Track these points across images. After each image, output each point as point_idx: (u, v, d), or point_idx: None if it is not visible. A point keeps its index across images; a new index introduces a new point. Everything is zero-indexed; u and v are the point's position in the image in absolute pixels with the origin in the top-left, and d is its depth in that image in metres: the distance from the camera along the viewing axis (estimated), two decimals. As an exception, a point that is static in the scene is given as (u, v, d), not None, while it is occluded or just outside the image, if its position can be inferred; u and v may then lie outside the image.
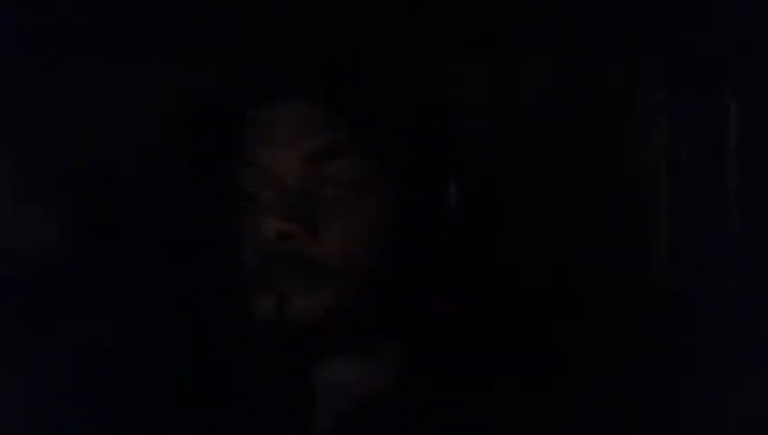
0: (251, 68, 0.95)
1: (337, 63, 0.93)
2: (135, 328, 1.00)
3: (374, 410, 0.90)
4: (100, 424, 0.94)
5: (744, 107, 1.22)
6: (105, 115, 1.22)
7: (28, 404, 0.98)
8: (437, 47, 1.19)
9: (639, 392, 1.08)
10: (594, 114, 1.28)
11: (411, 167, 0.93)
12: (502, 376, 0.92)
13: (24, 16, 1.19)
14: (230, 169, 0.93)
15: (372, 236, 0.90)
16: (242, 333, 0.93)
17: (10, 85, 1.21)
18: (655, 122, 1.28)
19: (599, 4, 1.25)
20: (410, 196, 0.93)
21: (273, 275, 0.89)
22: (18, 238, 1.14)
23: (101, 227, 1.13)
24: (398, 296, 0.92)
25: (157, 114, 1.18)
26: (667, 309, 1.22)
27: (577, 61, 1.27)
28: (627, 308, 1.21)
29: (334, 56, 0.94)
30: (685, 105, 1.26)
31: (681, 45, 1.26)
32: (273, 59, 0.93)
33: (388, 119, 0.92)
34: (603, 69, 1.28)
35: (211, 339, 0.96)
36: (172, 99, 1.16)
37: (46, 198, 1.16)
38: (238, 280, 0.91)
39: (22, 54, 1.21)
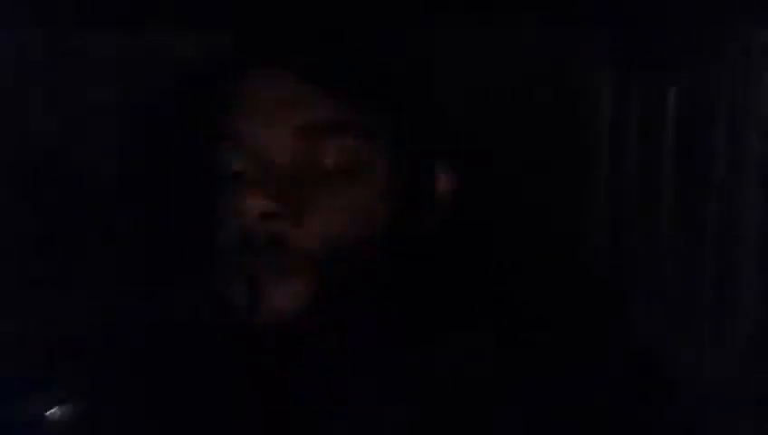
0: (231, 34, 0.88)
1: (329, 33, 0.87)
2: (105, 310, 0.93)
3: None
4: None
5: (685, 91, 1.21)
6: (72, 88, 1.14)
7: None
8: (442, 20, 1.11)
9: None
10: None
11: (408, 149, 0.86)
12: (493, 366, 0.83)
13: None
14: (208, 145, 0.86)
15: (359, 222, 0.83)
16: (216, 318, 0.86)
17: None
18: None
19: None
20: (404, 180, 0.86)
21: (249, 259, 0.82)
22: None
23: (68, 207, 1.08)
24: (384, 287, 0.83)
25: (128, 86, 1.11)
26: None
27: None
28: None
29: (328, 24, 0.87)
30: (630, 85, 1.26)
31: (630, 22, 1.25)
32: (258, 24, 0.87)
33: (387, 96, 0.86)
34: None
35: (184, 324, 0.87)
36: (145, 68, 1.10)
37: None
38: (213, 263, 0.84)
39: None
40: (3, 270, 1.04)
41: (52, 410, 0.85)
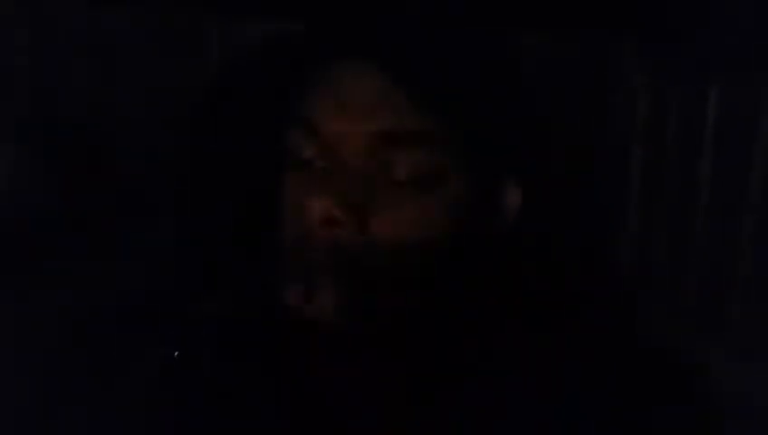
0: (321, 19, 0.84)
1: (426, 32, 0.81)
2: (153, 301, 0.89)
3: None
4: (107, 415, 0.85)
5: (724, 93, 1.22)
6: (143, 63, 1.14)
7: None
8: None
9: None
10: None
11: (481, 164, 0.82)
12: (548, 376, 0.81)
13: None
14: (280, 131, 0.81)
15: (423, 233, 0.80)
16: (267, 318, 0.83)
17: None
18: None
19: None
20: (473, 195, 0.82)
21: (306, 262, 0.79)
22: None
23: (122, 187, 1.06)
24: (441, 303, 0.81)
25: (206, 64, 1.10)
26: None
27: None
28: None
29: (425, 23, 0.82)
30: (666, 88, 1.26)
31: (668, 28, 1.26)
32: (350, 11, 0.82)
33: (476, 107, 0.81)
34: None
35: (234, 320, 0.85)
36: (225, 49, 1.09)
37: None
38: (270, 259, 0.81)
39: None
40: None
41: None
